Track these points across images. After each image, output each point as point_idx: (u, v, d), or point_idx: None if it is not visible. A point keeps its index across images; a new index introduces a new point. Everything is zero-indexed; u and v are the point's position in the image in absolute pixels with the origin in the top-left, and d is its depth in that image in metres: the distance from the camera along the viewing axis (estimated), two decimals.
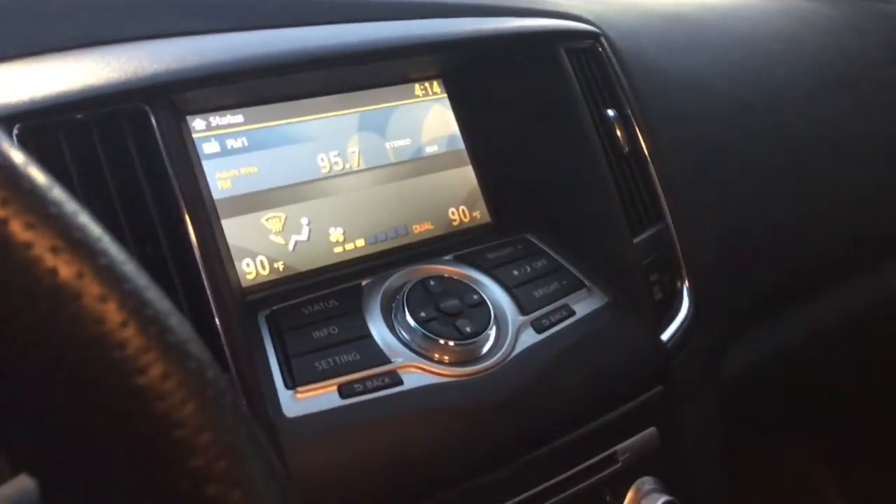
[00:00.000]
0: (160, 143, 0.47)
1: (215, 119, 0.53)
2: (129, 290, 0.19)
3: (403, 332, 0.50)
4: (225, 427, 0.19)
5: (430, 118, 0.61)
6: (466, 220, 0.60)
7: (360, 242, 0.56)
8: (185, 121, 0.51)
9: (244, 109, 0.54)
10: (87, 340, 0.18)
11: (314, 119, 0.56)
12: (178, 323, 0.20)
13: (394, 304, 0.51)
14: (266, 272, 0.52)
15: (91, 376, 0.18)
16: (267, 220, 0.53)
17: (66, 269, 0.18)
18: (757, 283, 0.67)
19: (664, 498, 0.53)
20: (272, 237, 0.53)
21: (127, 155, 0.46)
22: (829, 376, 0.92)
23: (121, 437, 0.19)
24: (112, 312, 0.19)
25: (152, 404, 0.19)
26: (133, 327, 0.19)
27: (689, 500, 0.55)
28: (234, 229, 0.52)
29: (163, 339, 0.19)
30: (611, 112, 0.62)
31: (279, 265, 0.53)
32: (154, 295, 0.20)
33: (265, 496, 0.20)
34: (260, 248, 0.52)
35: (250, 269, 0.52)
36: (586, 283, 0.57)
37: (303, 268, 0.54)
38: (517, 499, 0.49)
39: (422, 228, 0.58)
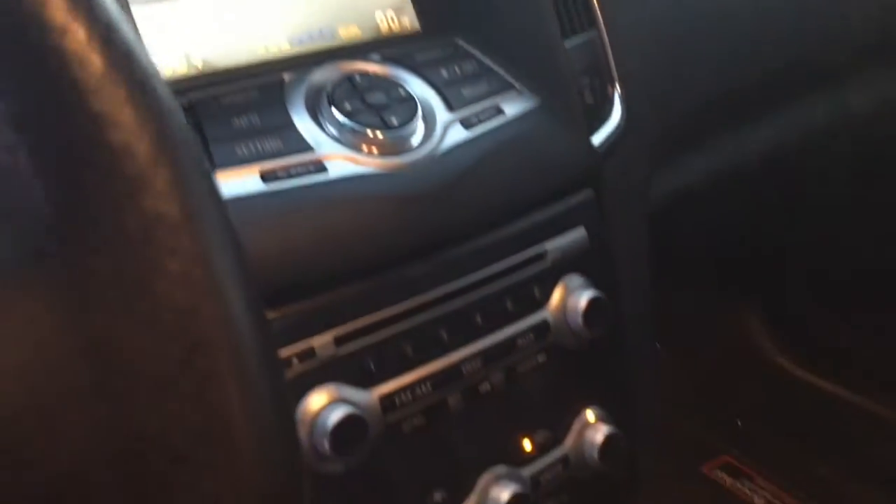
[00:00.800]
0: None
1: None
2: None
3: (328, 125, 0.49)
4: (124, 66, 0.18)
5: None
6: (395, 26, 0.58)
7: (284, 44, 0.54)
8: None
9: None
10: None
11: None
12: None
13: (318, 97, 0.50)
14: (183, 68, 0.50)
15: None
16: (181, 13, 0.51)
17: None
18: (691, 98, 0.67)
19: (591, 293, 0.54)
20: (187, 31, 0.51)
21: None
22: (761, 211, 0.94)
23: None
24: None
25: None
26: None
27: (615, 298, 0.56)
28: (145, 20, 0.49)
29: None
30: None
31: (197, 62, 0.51)
32: None
33: (163, 135, 0.19)
34: (175, 42, 0.50)
35: (166, 65, 0.50)
36: (516, 85, 0.56)
37: (222, 65, 0.52)
38: (444, 289, 0.50)
39: (348, 32, 0.56)
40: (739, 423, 1.14)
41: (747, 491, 1.08)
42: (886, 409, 1.02)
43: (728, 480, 1.09)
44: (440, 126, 0.51)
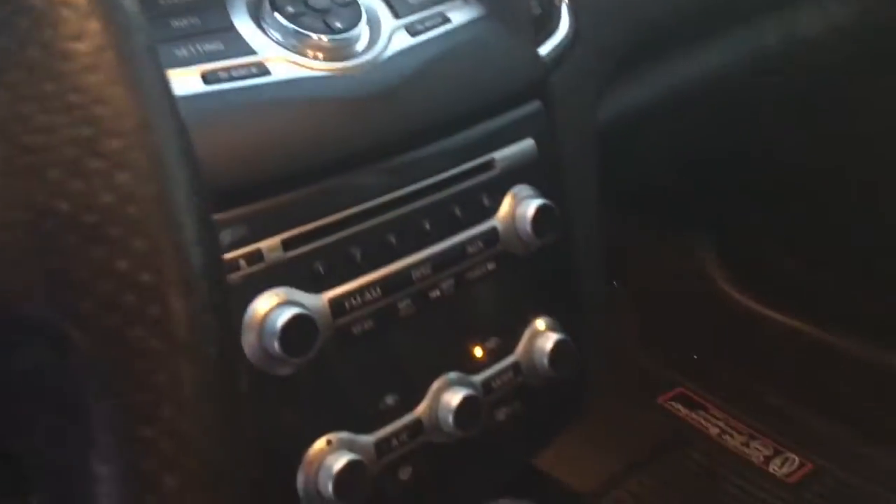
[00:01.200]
0: None
1: None
2: None
3: (271, 29, 0.48)
4: None
5: None
6: None
7: None
8: None
9: None
10: None
11: None
12: None
13: (259, 1, 0.49)
14: None
15: None
16: None
17: None
18: (642, 14, 0.67)
19: (540, 201, 0.54)
20: None
21: None
22: (712, 138, 0.95)
23: None
24: None
25: None
26: None
27: (564, 208, 0.56)
28: None
29: None
30: None
31: None
32: None
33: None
34: None
35: None
36: None
37: None
38: (392, 195, 0.50)
39: None
40: (695, 357, 1.16)
41: (702, 420, 1.10)
42: (834, 339, 1.05)
43: (683, 411, 1.12)
44: (385, 32, 0.51)
